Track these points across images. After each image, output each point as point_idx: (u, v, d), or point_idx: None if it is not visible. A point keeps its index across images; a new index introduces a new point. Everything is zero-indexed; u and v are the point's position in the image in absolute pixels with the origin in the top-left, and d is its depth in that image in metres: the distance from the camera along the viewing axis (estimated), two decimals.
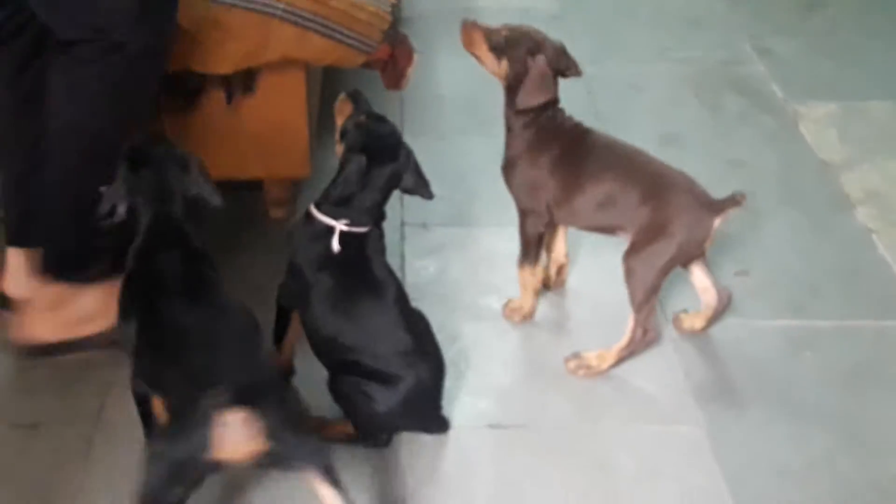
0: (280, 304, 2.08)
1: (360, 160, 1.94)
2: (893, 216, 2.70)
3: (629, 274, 2.11)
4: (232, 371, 1.59)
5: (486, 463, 1.97)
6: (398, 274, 2.38)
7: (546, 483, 1.93)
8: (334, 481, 1.63)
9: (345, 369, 1.92)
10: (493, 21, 2.22)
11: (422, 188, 2.06)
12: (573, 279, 2.44)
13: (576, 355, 2.18)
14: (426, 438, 2.00)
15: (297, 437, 1.62)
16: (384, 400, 1.88)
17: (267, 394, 1.58)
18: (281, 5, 2.25)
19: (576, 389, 2.14)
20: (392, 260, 2.41)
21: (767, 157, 2.95)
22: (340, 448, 1.94)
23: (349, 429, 1.95)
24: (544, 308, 2.36)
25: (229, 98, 2.36)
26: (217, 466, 1.57)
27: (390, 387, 1.88)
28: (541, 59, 2.11)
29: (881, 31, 3.67)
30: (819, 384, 2.17)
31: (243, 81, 2.35)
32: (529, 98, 2.14)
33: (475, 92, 3.10)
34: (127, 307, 1.83)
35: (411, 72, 2.53)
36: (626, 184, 2.13)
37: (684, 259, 2.14)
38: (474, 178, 2.78)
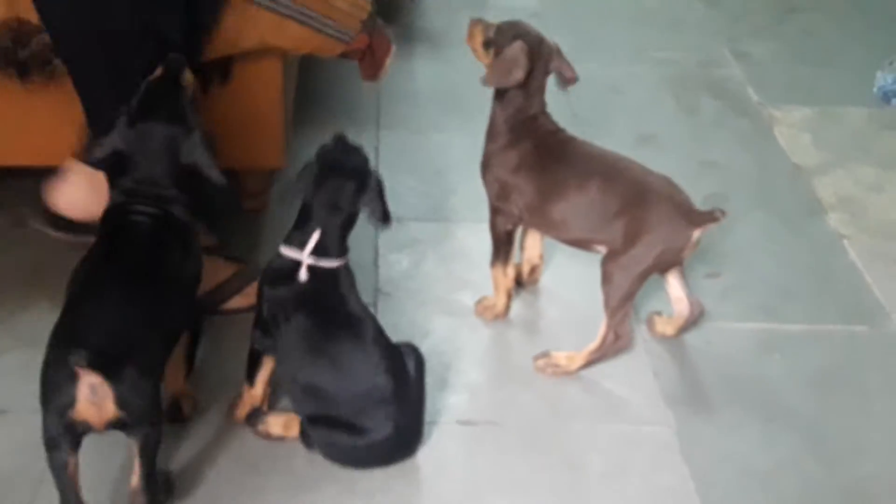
0: (254, 348, 1.97)
1: (311, 167, 1.89)
2: (865, 222, 2.71)
3: (606, 278, 2.11)
4: (98, 335, 1.63)
5: (456, 459, 1.96)
6: (372, 268, 2.40)
7: (515, 480, 1.93)
8: (147, 459, 1.69)
9: (323, 421, 1.87)
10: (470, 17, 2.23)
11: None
12: (548, 278, 2.44)
13: (545, 354, 2.18)
14: None
15: (140, 411, 1.65)
16: (362, 450, 1.88)
17: (124, 363, 1.61)
18: None
19: (547, 388, 2.14)
20: (366, 253, 2.44)
21: (742, 159, 2.96)
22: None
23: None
24: (518, 306, 2.36)
25: (205, 87, 2.34)
26: (84, 426, 1.63)
27: (366, 436, 1.86)
28: (517, 44, 2.11)
29: (858, 35, 3.70)
30: (788, 387, 2.19)
31: (219, 70, 2.34)
32: (494, 77, 2.13)
33: (453, 86, 3.12)
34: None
35: (389, 63, 2.52)
36: (603, 197, 2.11)
37: (662, 267, 2.14)
38: (450, 174, 2.78)
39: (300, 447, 1.92)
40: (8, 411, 2.00)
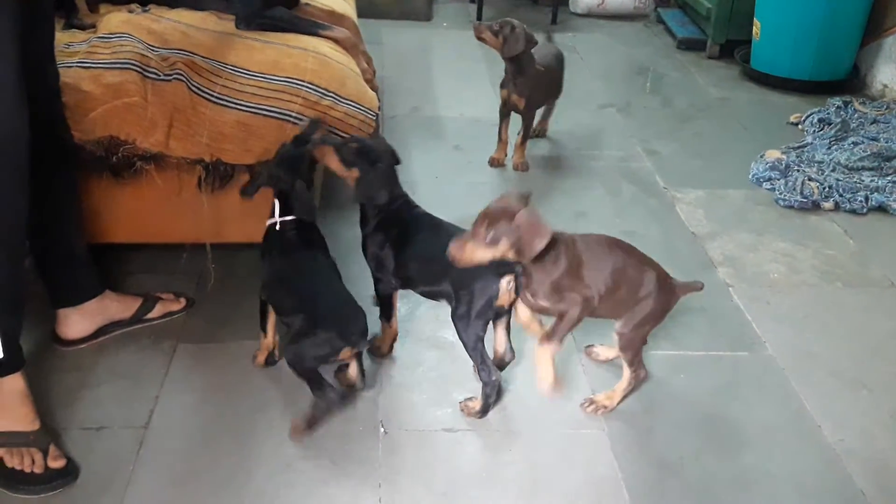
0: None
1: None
2: (745, 274, 2.71)
3: (625, 341, 2.02)
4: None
5: (442, 459, 1.95)
6: (377, 314, 2.38)
7: (487, 472, 1.92)
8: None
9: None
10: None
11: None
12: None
13: (590, 401, 2.10)
14: (398, 439, 1.98)
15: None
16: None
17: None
18: (293, 113, 2.25)
19: (511, 401, 2.13)
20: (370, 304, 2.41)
21: (653, 229, 2.96)
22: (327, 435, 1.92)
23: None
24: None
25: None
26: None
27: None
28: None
29: (735, 137, 3.72)
30: (690, 399, 2.18)
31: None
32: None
33: (438, 180, 3.13)
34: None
35: None
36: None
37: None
38: None
39: None
40: (105, 427, 1.98)
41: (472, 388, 2.16)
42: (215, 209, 2.34)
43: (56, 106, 2.02)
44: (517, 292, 1.96)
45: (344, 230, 2.82)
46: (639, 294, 1.97)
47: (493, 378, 2.03)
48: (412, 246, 2.06)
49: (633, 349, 2.04)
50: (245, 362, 2.19)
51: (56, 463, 1.82)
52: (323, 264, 2.08)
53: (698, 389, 2.21)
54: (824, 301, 2.60)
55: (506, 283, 1.95)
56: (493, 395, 2.05)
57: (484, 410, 2.06)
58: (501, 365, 2.15)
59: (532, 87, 3.17)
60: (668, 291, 2.02)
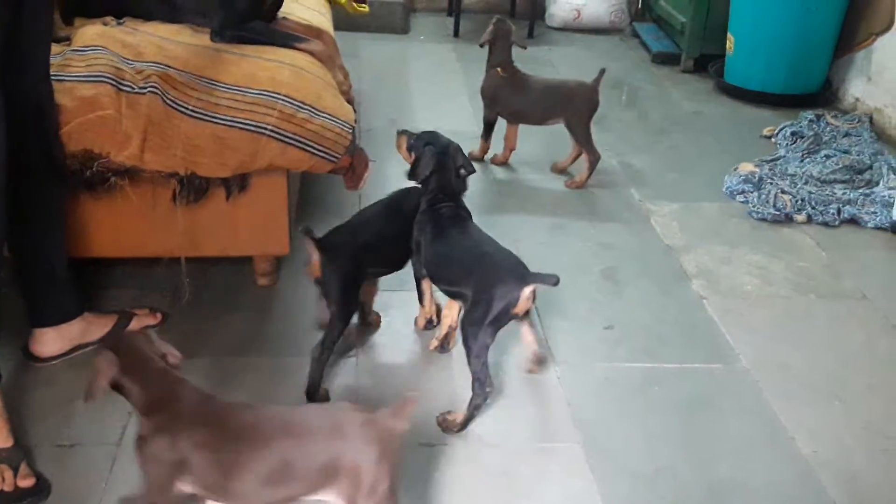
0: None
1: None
2: (718, 286, 2.74)
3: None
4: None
5: (419, 473, 1.94)
6: (354, 328, 2.38)
7: (463, 487, 1.91)
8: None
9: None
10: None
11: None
12: None
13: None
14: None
15: None
16: None
17: None
18: (269, 126, 2.25)
19: (488, 415, 2.12)
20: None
21: (628, 241, 2.98)
22: None
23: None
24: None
25: (228, 195, 2.34)
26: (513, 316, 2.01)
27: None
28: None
29: (710, 151, 3.76)
30: (665, 411, 2.19)
31: (239, 182, 2.34)
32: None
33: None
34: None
35: (367, 176, 2.54)
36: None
37: None
38: None
39: None
40: (75, 445, 1.96)
41: (449, 401, 2.16)
42: (190, 223, 2.33)
43: (49, 125, 2.02)
44: (534, 298, 2.02)
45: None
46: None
47: (487, 390, 2.03)
48: (442, 242, 2.14)
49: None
50: (222, 377, 2.18)
51: (26, 482, 1.80)
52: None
53: (673, 402, 2.22)
54: (797, 313, 2.63)
55: (529, 291, 1.98)
56: (480, 407, 2.05)
57: (465, 424, 2.06)
58: (541, 363, 2.16)
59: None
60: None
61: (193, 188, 2.28)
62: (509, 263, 2.04)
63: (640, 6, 5.54)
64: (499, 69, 3.30)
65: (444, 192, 2.17)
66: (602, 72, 3.24)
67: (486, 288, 1.98)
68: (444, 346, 2.33)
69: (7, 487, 1.78)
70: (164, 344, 1.61)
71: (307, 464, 1.51)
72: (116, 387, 1.54)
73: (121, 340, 1.63)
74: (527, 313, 2.06)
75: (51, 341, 2.16)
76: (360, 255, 2.16)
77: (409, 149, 2.24)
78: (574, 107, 3.28)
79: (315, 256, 2.10)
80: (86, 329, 2.20)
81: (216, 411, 1.56)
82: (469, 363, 2.02)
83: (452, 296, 2.19)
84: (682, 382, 2.29)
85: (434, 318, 2.41)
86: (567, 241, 2.19)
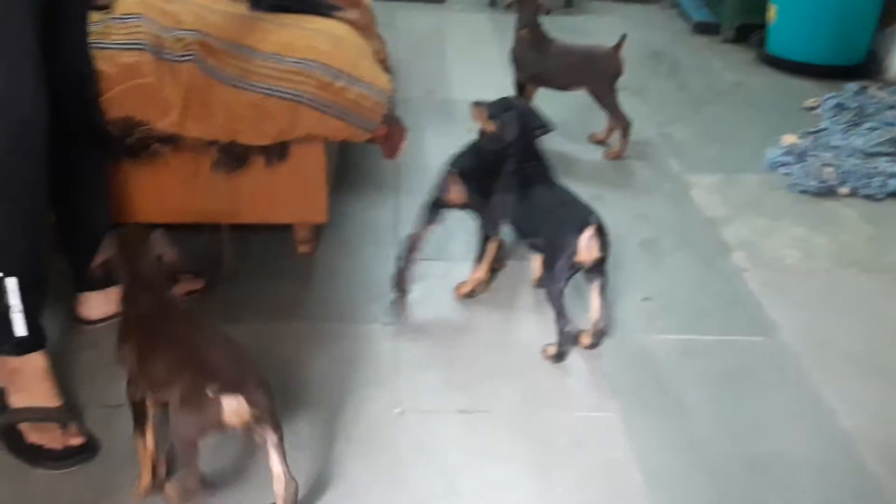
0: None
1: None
2: (759, 259, 2.71)
3: None
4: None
5: (456, 439, 1.96)
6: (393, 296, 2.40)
7: (500, 454, 1.92)
8: None
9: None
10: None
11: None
12: (530, 300, 2.45)
13: None
14: (414, 420, 1.99)
15: None
16: None
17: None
18: (307, 95, 2.25)
19: (525, 384, 2.13)
20: (388, 285, 2.42)
21: (667, 213, 2.96)
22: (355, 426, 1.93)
23: None
24: (503, 321, 2.37)
25: (268, 162, 2.36)
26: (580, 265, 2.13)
27: None
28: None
29: (750, 122, 3.71)
30: (703, 383, 2.18)
31: (278, 151, 2.36)
32: None
33: None
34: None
35: (404, 145, 2.54)
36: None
37: None
38: (451, 226, 2.77)
39: None
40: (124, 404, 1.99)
41: (487, 369, 2.18)
42: (231, 190, 2.35)
43: (90, 90, 2.04)
44: (603, 250, 2.11)
45: (358, 212, 2.84)
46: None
47: (567, 329, 2.16)
48: (527, 199, 2.24)
49: None
50: (262, 342, 2.20)
51: (75, 440, 1.84)
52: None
53: (711, 374, 2.21)
54: (839, 286, 2.60)
55: (586, 239, 2.08)
56: (566, 343, 2.18)
57: (559, 356, 2.18)
58: (595, 331, 2.22)
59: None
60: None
61: (234, 156, 2.30)
62: (575, 213, 2.15)
63: None
64: (524, 31, 3.28)
65: (528, 153, 2.26)
66: (623, 37, 3.18)
67: (552, 237, 2.15)
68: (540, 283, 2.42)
69: (57, 446, 1.83)
70: (166, 245, 1.77)
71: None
72: (110, 270, 1.76)
73: (128, 232, 1.80)
74: (600, 270, 2.16)
75: (97, 305, 2.20)
76: None
77: (491, 117, 2.28)
78: (595, 73, 3.24)
79: None
80: None
81: (162, 319, 1.69)
82: (551, 305, 2.16)
83: (532, 247, 2.31)
84: (721, 355, 2.28)
85: (483, 286, 2.45)
86: (605, 213, 2.17)
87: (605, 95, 3.24)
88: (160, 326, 1.67)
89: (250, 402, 1.51)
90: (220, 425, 1.51)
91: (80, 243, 2.15)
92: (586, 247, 2.08)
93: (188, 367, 1.54)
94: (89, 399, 1.99)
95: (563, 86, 3.33)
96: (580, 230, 2.08)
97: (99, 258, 1.76)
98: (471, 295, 2.44)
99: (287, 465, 1.62)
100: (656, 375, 2.19)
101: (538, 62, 3.29)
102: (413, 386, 2.10)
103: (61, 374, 1.95)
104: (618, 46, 3.19)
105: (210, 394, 1.49)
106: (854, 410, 2.09)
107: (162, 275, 1.77)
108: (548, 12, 3.31)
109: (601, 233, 2.11)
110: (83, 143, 2.04)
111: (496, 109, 2.28)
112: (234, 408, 1.50)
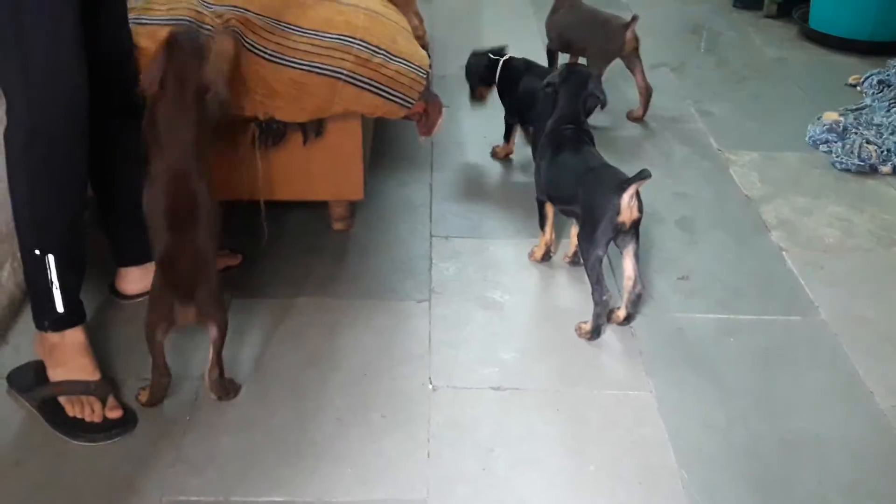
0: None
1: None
2: (799, 238, 2.68)
3: None
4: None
5: (489, 416, 1.97)
6: (427, 273, 2.41)
7: (533, 432, 1.93)
8: None
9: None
10: None
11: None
12: (563, 277, 2.45)
13: None
14: (446, 396, 2.01)
15: None
16: None
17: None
18: (345, 71, 2.26)
19: (559, 361, 2.14)
20: (422, 262, 2.45)
21: (705, 191, 2.93)
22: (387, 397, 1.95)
23: None
24: (537, 298, 2.37)
25: (305, 139, 2.38)
26: (623, 225, 2.11)
27: None
28: None
29: (791, 99, 3.65)
30: (740, 362, 2.17)
31: (315, 127, 2.37)
32: None
33: (487, 139, 3.12)
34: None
35: (440, 122, 2.54)
36: None
37: None
38: (486, 203, 2.79)
39: None
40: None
41: (520, 346, 2.18)
42: (267, 167, 2.37)
43: (129, 66, 2.06)
44: (640, 210, 2.12)
45: (393, 189, 2.85)
46: None
47: (604, 298, 2.15)
48: (557, 163, 2.29)
49: None
50: (298, 317, 2.23)
51: (114, 413, 1.88)
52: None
53: (748, 353, 2.19)
54: (880, 266, 2.56)
55: (627, 198, 2.09)
56: (603, 315, 2.18)
57: (595, 331, 2.18)
58: (632, 299, 2.22)
59: None
60: None
61: (272, 132, 2.31)
62: (610, 176, 2.16)
63: None
64: None
65: (569, 116, 2.32)
66: (634, 17, 3.18)
67: (590, 202, 2.14)
68: (574, 259, 2.45)
69: (96, 418, 1.87)
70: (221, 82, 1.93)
71: None
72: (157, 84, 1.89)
73: (182, 45, 1.91)
74: (635, 233, 2.14)
75: (135, 279, 2.24)
76: None
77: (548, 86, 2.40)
78: (596, 40, 3.24)
79: None
80: None
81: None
82: (587, 275, 2.17)
83: (567, 214, 2.35)
84: (758, 334, 2.26)
85: (552, 248, 2.49)
86: (642, 190, 2.15)
87: (597, 64, 3.23)
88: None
89: (199, 310, 1.86)
90: (173, 322, 1.87)
91: (120, 218, 2.19)
92: (628, 206, 2.09)
93: (158, 275, 1.87)
94: (128, 372, 2.03)
95: (579, 51, 3.33)
96: (622, 189, 2.09)
97: (152, 69, 1.88)
98: (545, 258, 2.49)
99: (219, 357, 1.93)
100: (692, 354, 2.18)
101: (560, 23, 3.34)
102: (446, 362, 2.11)
103: (99, 348, 1.99)
104: (628, 24, 3.19)
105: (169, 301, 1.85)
106: (892, 391, 2.07)
107: (205, 111, 1.90)
108: None
109: (638, 193, 2.12)
110: (121, 118, 2.07)
111: (561, 75, 2.38)
112: (185, 312, 1.86)
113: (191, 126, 1.87)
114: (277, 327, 2.20)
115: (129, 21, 2.12)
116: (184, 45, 1.90)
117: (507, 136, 3.02)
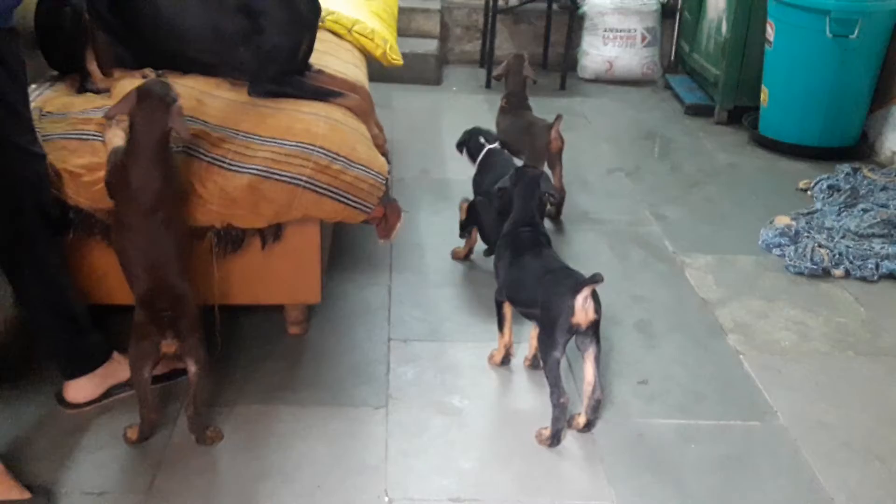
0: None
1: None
2: (755, 342, 2.71)
3: None
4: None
5: None
6: (384, 378, 2.39)
7: None
8: None
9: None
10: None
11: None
12: (523, 381, 2.43)
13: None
14: None
15: None
16: None
17: None
18: (304, 178, 2.28)
19: (519, 470, 2.11)
20: (379, 367, 2.43)
21: (661, 294, 2.97)
22: None
23: None
24: (496, 403, 2.35)
25: (263, 244, 2.38)
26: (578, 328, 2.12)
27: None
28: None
29: (744, 203, 3.74)
30: (701, 469, 2.15)
31: (274, 232, 2.37)
32: None
33: (446, 241, 3.15)
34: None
35: (399, 226, 2.55)
36: None
37: None
38: (446, 305, 2.79)
39: None
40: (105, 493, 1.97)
41: (479, 454, 2.15)
42: (225, 272, 2.36)
43: (43, 191, 2.07)
44: (597, 312, 2.13)
45: (351, 292, 2.84)
46: None
47: (562, 401, 2.14)
48: (517, 266, 2.32)
49: None
50: (250, 427, 2.18)
51: None
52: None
53: (709, 460, 2.19)
54: (836, 370, 2.59)
55: (581, 300, 2.11)
56: (562, 419, 2.17)
57: (555, 437, 2.17)
58: (591, 404, 2.22)
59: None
60: None
61: (231, 238, 2.32)
62: (566, 278, 2.19)
63: (672, 58, 5.57)
64: (505, 99, 3.46)
65: (525, 219, 2.38)
66: (558, 117, 3.31)
67: (546, 304, 2.16)
68: (534, 362, 2.44)
69: None
70: (180, 121, 2.04)
71: None
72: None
73: (151, 92, 2.04)
74: (594, 335, 2.16)
75: (82, 387, 2.19)
76: None
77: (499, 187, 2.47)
78: (529, 142, 3.36)
79: None
80: (116, 371, 2.23)
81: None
82: (546, 377, 2.16)
83: (527, 316, 2.35)
84: (718, 440, 2.26)
85: (511, 350, 2.49)
86: (601, 292, 2.17)
87: (533, 165, 3.30)
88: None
89: (181, 343, 2.00)
90: (158, 355, 2.02)
91: (59, 332, 2.15)
92: (582, 307, 2.11)
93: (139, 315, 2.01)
94: (72, 485, 1.96)
95: (516, 152, 3.40)
96: (576, 291, 2.11)
97: (117, 107, 2.02)
98: (504, 362, 2.49)
99: (196, 396, 2.05)
100: (653, 461, 2.16)
101: (504, 129, 3.44)
102: (403, 473, 2.07)
103: (42, 459, 1.93)
104: (553, 122, 3.31)
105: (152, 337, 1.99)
106: (852, 498, 2.07)
107: (169, 153, 2.06)
108: (534, 82, 3.50)
109: (595, 295, 2.14)
110: (43, 237, 2.06)
111: (512, 178, 2.44)
112: (167, 345, 2.00)
113: (160, 167, 2.00)
114: (229, 437, 2.15)
115: (89, 135, 2.12)
116: (153, 94, 2.02)
117: (468, 231, 3.06)
